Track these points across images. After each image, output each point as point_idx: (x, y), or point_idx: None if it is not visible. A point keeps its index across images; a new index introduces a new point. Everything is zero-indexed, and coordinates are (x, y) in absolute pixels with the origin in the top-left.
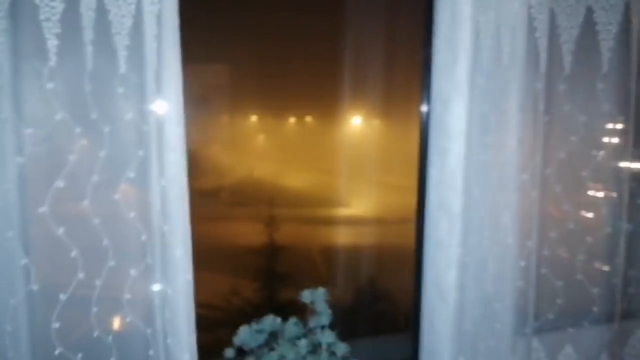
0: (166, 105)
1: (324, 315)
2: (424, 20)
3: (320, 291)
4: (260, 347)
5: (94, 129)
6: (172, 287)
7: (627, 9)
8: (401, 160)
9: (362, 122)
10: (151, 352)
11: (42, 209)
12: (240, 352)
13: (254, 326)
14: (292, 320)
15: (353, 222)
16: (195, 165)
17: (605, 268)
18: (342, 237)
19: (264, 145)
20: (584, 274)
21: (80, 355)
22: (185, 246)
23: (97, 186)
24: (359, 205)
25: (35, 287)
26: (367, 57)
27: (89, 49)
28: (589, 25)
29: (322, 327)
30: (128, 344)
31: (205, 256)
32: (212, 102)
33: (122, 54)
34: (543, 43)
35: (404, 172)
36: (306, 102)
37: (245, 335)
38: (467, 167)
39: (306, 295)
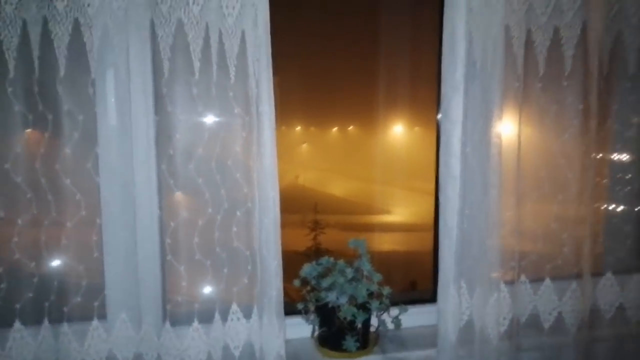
0: (261, 103)
1: (364, 255)
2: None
3: (362, 240)
4: (319, 276)
5: (216, 120)
6: (267, 219)
7: (584, 27)
8: None
9: (404, 130)
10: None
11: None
12: (305, 283)
13: (314, 263)
14: (342, 261)
15: (394, 228)
16: None
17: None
18: (385, 243)
19: (308, 154)
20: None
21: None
22: (272, 183)
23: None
24: (400, 213)
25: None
26: (408, 69)
27: (214, 67)
28: (555, 38)
29: (364, 262)
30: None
31: None
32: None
33: (232, 69)
34: (520, 52)
35: None
36: (348, 112)
37: (308, 268)
38: (464, 143)
39: (352, 242)
